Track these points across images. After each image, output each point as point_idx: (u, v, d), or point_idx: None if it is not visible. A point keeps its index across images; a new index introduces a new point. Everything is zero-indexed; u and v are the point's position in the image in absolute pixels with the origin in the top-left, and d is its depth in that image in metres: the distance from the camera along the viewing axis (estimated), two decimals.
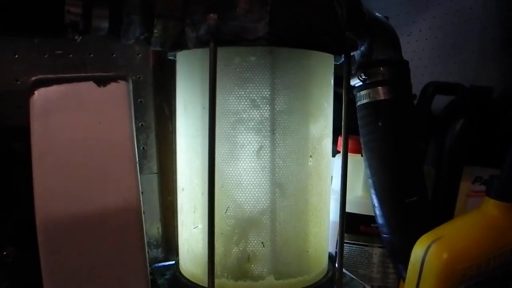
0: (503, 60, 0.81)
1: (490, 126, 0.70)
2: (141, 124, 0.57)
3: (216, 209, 0.44)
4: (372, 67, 0.54)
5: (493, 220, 0.51)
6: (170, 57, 0.51)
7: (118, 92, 0.46)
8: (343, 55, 0.50)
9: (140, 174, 0.56)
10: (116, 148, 0.45)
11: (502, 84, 0.80)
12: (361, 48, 0.55)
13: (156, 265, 0.57)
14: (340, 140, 0.64)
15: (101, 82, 0.46)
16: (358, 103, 0.57)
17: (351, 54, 0.52)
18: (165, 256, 0.61)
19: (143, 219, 0.53)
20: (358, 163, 0.63)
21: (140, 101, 0.57)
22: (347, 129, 0.49)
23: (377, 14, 0.55)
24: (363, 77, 0.54)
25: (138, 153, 0.56)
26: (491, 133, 0.70)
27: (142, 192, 0.57)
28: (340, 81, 0.49)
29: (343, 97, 0.49)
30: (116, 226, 0.43)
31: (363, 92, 0.55)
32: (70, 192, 0.43)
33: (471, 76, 0.85)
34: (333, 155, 0.58)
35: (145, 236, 0.47)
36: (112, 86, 0.46)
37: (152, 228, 0.59)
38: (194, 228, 0.48)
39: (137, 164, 0.46)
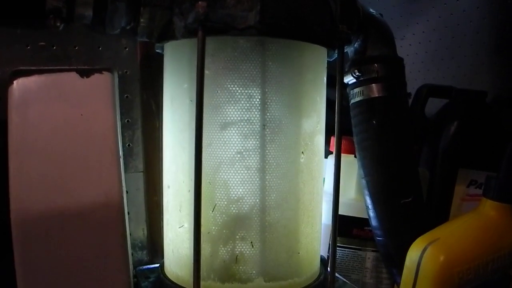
0: (496, 63, 0.80)
1: (485, 129, 0.68)
2: (127, 121, 0.54)
3: (203, 207, 0.41)
4: (366, 63, 0.52)
5: (491, 221, 0.49)
6: (157, 50, 0.49)
7: (102, 84, 0.44)
8: (336, 51, 0.48)
9: (125, 172, 0.54)
10: (98, 141, 0.42)
11: (496, 88, 0.79)
12: (355, 45, 0.54)
13: (141, 267, 0.55)
14: (333, 140, 0.63)
15: (84, 73, 0.44)
16: (352, 101, 0.55)
17: (345, 49, 0.50)
18: (151, 259, 0.58)
19: (128, 219, 0.50)
20: (351, 164, 0.61)
21: (127, 97, 0.54)
22: (340, 124, 0.47)
23: (371, 10, 0.54)
24: (357, 73, 0.52)
25: (123, 151, 0.54)
26: (485, 136, 0.68)
27: (127, 192, 0.54)
28: (333, 81, 0.48)
29: (337, 92, 0.47)
30: (96, 223, 0.41)
31: (356, 90, 0.54)
32: (47, 186, 0.40)
33: (465, 80, 0.83)
34: (325, 156, 0.56)
35: (128, 235, 0.45)
36: (96, 77, 0.44)
37: (137, 229, 0.56)
38: (179, 227, 0.46)
39: (120, 158, 0.43)
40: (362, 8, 0.52)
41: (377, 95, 0.52)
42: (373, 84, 0.52)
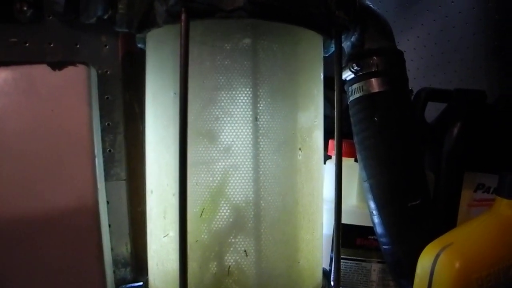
0: (495, 66, 0.76)
1: (489, 130, 0.64)
2: (108, 124, 0.49)
3: (190, 212, 0.36)
4: (364, 57, 0.48)
5: (508, 221, 0.44)
6: (139, 45, 0.44)
7: (76, 78, 0.39)
8: (333, 42, 0.44)
9: (106, 181, 0.48)
10: (71, 140, 0.37)
11: (495, 92, 0.75)
12: (352, 39, 0.49)
13: (123, 286, 0.48)
14: (331, 144, 0.58)
15: (56, 66, 0.39)
16: (351, 99, 0.50)
17: (342, 42, 0.45)
18: (135, 277, 0.51)
19: (108, 233, 0.45)
20: (351, 168, 0.56)
21: (107, 98, 0.49)
22: (341, 122, 0.42)
23: (368, 2, 0.50)
24: (355, 68, 0.48)
25: (104, 157, 0.48)
26: (490, 137, 0.63)
27: (108, 202, 0.49)
28: (330, 83, 0.43)
29: (335, 86, 0.42)
30: (67, 231, 0.35)
31: (355, 86, 0.49)
32: (14, 189, 0.34)
33: (462, 85, 0.79)
34: (323, 162, 0.51)
35: (108, 249, 0.39)
36: (69, 71, 0.39)
37: (120, 244, 0.50)
38: (164, 236, 0.40)
39: (96, 160, 0.38)
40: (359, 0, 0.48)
41: (377, 90, 0.48)
42: (373, 79, 0.48)
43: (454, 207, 0.62)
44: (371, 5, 0.49)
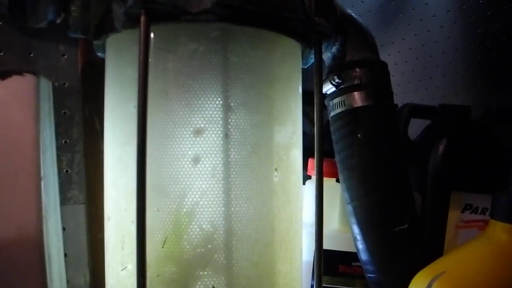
0: (478, 81, 0.73)
1: (476, 147, 0.60)
2: (65, 142, 0.44)
3: (150, 241, 0.31)
4: (346, 69, 0.44)
5: (503, 247, 0.40)
6: (99, 53, 0.39)
7: (22, 89, 0.34)
8: (312, 52, 0.40)
9: (62, 205, 0.43)
10: (13, 159, 0.32)
11: (478, 108, 0.72)
12: (332, 50, 0.45)
13: None
14: (311, 163, 0.53)
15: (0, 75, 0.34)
16: (332, 114, 0.46)
17: (322, 53, 0.41)
18: None
19: (63, 263, 0.39)
20: (332, 190, 0.51)
21: (64, 113, 0.44)
22: (321, 139, 0.38)
23: (349, 11, 0.46)
24: (337, 80, 0.44)
25: (60, 178, 0.43)
26: (478, 155, 0.60)
27: (64, 228, 0.43)
28: (309, 98, 0.39)
29: (315, 99, 0.38)
30: (4, 266, 0.29)
31: (336, 100, 0.45)
32: None
33: (444, 101, 0.76)
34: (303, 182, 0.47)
35: (54, 279, 0.33)
36: (15, 81, 0.34)
37: (77, 275, 0.44)
38: (122, 270, 0.34)
39: (42, 182, 0.32)
40: (339, 7, 0.44)
41: (360, 104, 0.44)
42: (356, 92, 0.44)
43: (441, 229, 0.59)
44: (352, 14, 0.46)
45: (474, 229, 0.59)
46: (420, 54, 0.76)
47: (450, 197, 0.58)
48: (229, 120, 0.33)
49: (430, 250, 0.55)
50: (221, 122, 0.33)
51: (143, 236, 0.30)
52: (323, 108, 0.38)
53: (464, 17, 0.69)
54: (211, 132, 0.33)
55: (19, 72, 0.34)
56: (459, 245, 0.58)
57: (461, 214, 0.59)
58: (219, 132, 0.33)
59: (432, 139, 0.60)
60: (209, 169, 0.32)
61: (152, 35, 0.32)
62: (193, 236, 0.32)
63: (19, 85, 0.34)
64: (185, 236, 0.32)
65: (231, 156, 0.33)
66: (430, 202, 0.58)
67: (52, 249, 0.35)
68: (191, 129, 0.32)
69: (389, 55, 0.79)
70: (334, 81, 0.44)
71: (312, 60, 0.43)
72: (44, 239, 0.31)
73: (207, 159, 0.32)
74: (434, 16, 0.71)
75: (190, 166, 0.32)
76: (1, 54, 0.41)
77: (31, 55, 0.42)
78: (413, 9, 0.72)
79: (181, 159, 0.32)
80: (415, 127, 0.65)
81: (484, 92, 0.74)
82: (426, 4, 0.70)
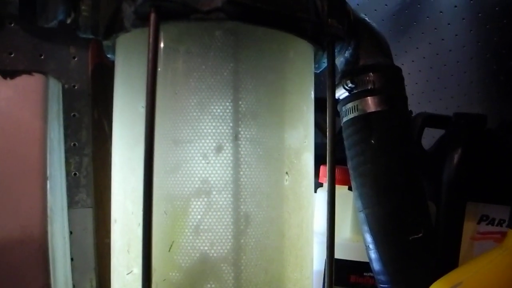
0: (493, 91, 0.72)
1: (492, 157, 0.58)
2: (73, 144, 0.43)
3: (156, 245, 0.30)
4: (359, 73, 0.43)
5: None
6: (109, 55, 0.39)
7: (31, 89, 0.34)
8: (324, 55, 0.39)
9: (69, 208, 0.42)
10: (19, 159, 0.31)
11: (493, 118, 0.70)
12: (345, 54, 0.44)
13: None
14: (323, 170, 0.52)
15: (8, 74, 0.33)
16: (344, 119, 0.44)
17: (335, 58, 0.40)
18: None
19: (70, 267, 0.38)
20: (344, 197, 0.50)
21: (74, 115, 0.43)
22: (333, 144, 0.36)
23: (363, 15, 0.45)
24: (349, 85, 0.43)
25: (68, 181, 0.42)
26: (494, 165, 0.58)
27: (71, 232, 0.42)
28: (320, 105, 0.38)
29: (328, 103, 0.37)
30: (7, 267, 0.28)
31: (349, 105, 0.44)
32: None
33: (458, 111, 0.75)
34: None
35: (59, 283, 0.32)
36: (24, 80, 0.34)
37: (83, 279, 0.43)
38: (127, 274, 0.33)
39: (48, 183, 0.32)
40: (353, 11, 0.43)
41: (374, 110, 0.42)
42: (369, 97, 0.42)
43: (456, 241, 0.56)
44: (366, 18, 0.45)
45: (491, 241, 0.56)
46: (434, 63, 0.74)
47: (466, 208, 0.56)
48: (239, 122, 0.32)
49: (445, 263, 0.53)
50: (231, 123, 0.32)
51: (149, 240, 0.29)
52: (335, 113, 0.37)
53: (480, 25, 0.67)
54: (220, 134, 0.32)
55: (28, 72, 0.34)
56: (474, 257, 0.56)
57: (477, 226, 0.57)
58: (229, 134, 0.32)
59: (446, 149, 0.58)
60: (218, 172, 0.31)
61: (161, 34, 0.31)
62: (201, 240, 0.31)
63: (27, 84, 0.33)
64: (192, 240, 0.31)
65: (241, 159, 0.32)
66: (444, 213, 0.56)
67: (57, 252, 0.34)
68: (200, 131, 0.31)
69: (402, 64, 0.77)
70: (347, 85, 0.43)
71: (324, 64, 0.42)
72: (49, 240, 0.30)
73: (216, 161, 0.31)
74: (448, 24, 0.70)
75: (199, 168, 0.31)
76: (12, 55, 0.41)
77: (42, 57, 0.42)
78: (428, 17, 0.70)
79: (190, 162, 0.31)
80: (429, 138, 0.63)
81: (499, 102, 0.72)
82: (441, 12, 0.69)
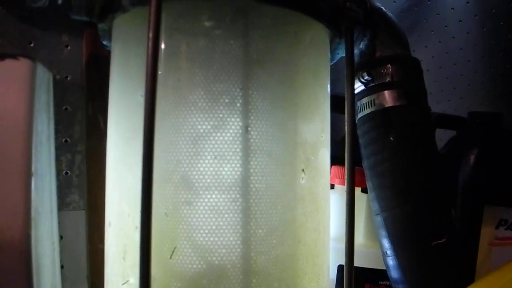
0: (505, 92, 0.68)
1: (508, 158, 0.55)
2: (65, 141, 0.39)
3: (156, 251, 0.25)
4: (376, 65, 0.39)
5: None
6: (104, 41, 0.35)
7: (15, 74, 0.29)
8: (341, 44, 0.35)
9: (60, 210, 0.38)
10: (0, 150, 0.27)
11: (507, 119, 0.66)
12: (360, 46, 0.41)
13: None
14: (334, 170, 0.48)
15: None
16: (360, 115, 0.40)
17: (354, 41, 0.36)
18: None
19: (59, 276, 0.34)
20: (357, 200, 0.45)
21: (66, 109, 0.39)
22: (352, 139, 0.32)
23: (379, 4, 0.41)
24: (366, 78, 0.39)
25: (58, 180, 0.38)
26: (510, 166, 0.54)
27: (61, 237, 0.38)
28: (333, 102, 0.34)
29: (346, 93, 0.33)
30: None
31: (365, 100, 0.40)
32: None
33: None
34: None
35: None
36: (7, 64, 0.29)
37: None
38: (123, 284, 0.29)
39: (32, 179, 0.27)
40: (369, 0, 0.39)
41: (392, 104, 0.38)
42: (387, 91, 0.39)
43: (473, 246, 0.53)
44: (382, 7, 0.41)
45: (510, 248, 0.53)
46: (444, 62, 0.71)
47: (483, 212, 0.53)
48: (250, 113, 0.28)
49: (461, 271, 0.49)
50: (240, 115, 0.28)
51: (148, 245, 0.25)
52: (354, 104, 0.33)
53: (493, 22, 0.64)
54: (229, 126, 0.28)
55: (13, 56, 0.29)
56: (493, 265, 0.53)
57: (495, 231, 0.53)
58: (238, 126, 0.28)
59: (461, 150, 0.55)
60: (227, 168, 0.27)
61: (163, 13, 0.27)
62: (206, 246, 0.27)
63: (12, 69, 0.29)
64: (196, 246, 0.27)
65: (252, 154, 0.28)
66: (461, 217, 0.52)
67: (44, 260, 0.29)
68: (206, 122, 0.27)
69: None
70: (363, 78, 0.39)
71: (338, 55, 0.39)
72: (32, 245, 0.26)
73: (224, 157, 0.27)
74: (460, 21, 0.66)
75: (204, 165, 0.27)
76: None
77: (31, 44, 0.38)
78: (438, 14, 0.67)
79: (194, 157, 0.27)
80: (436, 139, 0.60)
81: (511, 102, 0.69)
82: (452, 8, 0.65)
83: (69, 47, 0.39)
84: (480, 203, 0.52)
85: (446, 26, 0.68)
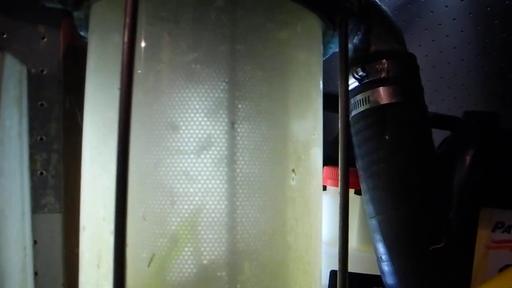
0: (500, 91, 0.66)
1: (505, 159, 0.53)
2: (40, 138, 0.36)
3: (133, 258, 0.23)
4: (371, 60, 0.37)
5: None
6: (82, 32, 0.32)
7: None
8: (334, 37, 0.33)
9: (33, 213, 0.35)
10: None
11: (503, 119, 0.65)
12: (354, 40, 0.38)
13: None
14: (326, 171, 0.46)
15: None
16: (353, 113, 0.38)
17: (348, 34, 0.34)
18: None
19: (33, 283, 0.31)
20: (350, 202, 0.43)
21: (41, 104, 0.36)
22: (346, 138, 0.30)
23: None
24: (360, 73, 0.37)
25: (32, 181, 0.35)
26: (507, 168, 0.53)
27: (35, 241, 0.35)
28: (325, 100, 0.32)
29: (340, 87, 0.31)
30: None
31: (360, 96, 0.37)
32: None
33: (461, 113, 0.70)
34: None
35: None
36: None
37: None
38: None
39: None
40: None
41: (388, 101, 0.36)
42: (382, 87, 0.37)
43: (469, 249, 0.51)
44: (377, 1, 0.39)
45: (507, 251, 0.51)
46: (438, 61, 0.69)
47: (479, 214, 0.51)
48: (236, 109, 0.26)
49: (459, 275, 0.47)
50: (226, 109, 0.25)
51: (122, 252, 0.22)
52: (348, 100, 0.31)
53: (488, 20, 0.62)
54: (213, 121, 0.25)
55: None
56: (489, 268, 0.51)
57: (492, 233, 0.51)
58: (223, 122, 0.25)
59: (455, 151, 0.53)
60: (211, 167, 0.25)
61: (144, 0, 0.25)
62: (188, 253, 0.25)
63: None
64: (178, 253, 0.25)
65: (238, 153, 0.25)
66: (456, 220, 0.50)
67: (11, 266, 0.27)
68: (188, 117, 0.25)
69: None
70: (357, 74, 0.37)
71: (331, 50, 0.37)
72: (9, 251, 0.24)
73: (208, 154, 0.25)
74: (454, 19, 0.64)
75: (185, 163, 0.25)
76: None
77: (4, 35, 0.35)
78: (432, 12, 0.65)
79: (174, 155, 0.25)
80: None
81: (507, 103, 0.67)
82: (446, 6, 0.63)
83: (45, 39, 0.37)
84: (476, 205, 0.51)
85: (439, 24, 0.66)
